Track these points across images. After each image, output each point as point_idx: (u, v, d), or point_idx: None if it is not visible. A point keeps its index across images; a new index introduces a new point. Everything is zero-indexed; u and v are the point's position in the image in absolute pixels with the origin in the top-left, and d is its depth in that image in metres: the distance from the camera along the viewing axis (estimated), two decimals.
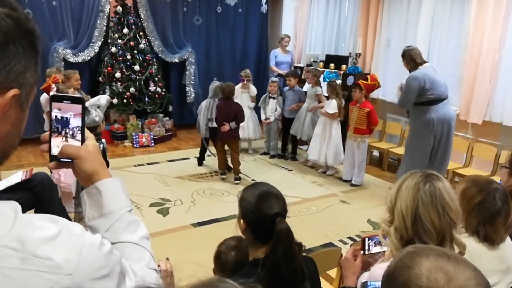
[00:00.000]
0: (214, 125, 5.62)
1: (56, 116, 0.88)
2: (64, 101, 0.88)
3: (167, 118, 7.65)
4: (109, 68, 6.90)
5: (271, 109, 6.42)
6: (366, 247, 1.81)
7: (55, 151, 0.90)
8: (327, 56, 7.18)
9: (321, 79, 6.32)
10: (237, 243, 1.96)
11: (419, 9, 5.97)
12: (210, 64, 8.15)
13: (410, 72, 4.61)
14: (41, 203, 3.17)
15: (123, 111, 7.06)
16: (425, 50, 5.96)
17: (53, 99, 0.88)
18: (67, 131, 0.89)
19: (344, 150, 5.72)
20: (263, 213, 1.61)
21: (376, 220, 4.41)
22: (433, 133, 4.52)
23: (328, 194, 5.28)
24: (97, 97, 3.78)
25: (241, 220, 1.67)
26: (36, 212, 3.12)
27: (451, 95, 4.98)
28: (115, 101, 6.79)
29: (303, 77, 6.88)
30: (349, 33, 7.22)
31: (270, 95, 6.42)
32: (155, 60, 7.31)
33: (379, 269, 1.51)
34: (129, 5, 7.05)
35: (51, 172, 3.92)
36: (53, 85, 4.59)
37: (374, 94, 6.22)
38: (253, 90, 6.56)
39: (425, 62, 4.60)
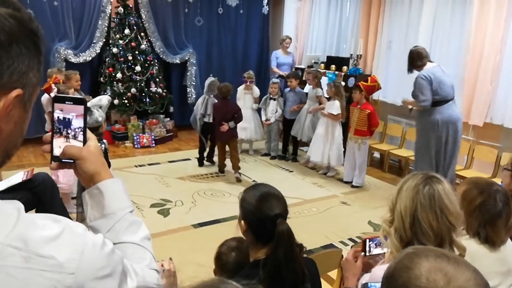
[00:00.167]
0: (207, 120, 5.78)
1: (58, 117, 0.89)
2: (66, 102, 0.89)
3: (168, 118, 7.65)
4: (110, 69, 6.91)
5: (272, 110, 6.42)
6: (367, 249, 1.81)
7: (57, 151, 0.90)
8: (328, 57, 7.18)
9: (322, 80, 6.32)
10: (237, 244, 1.96)
11: (420, 11, 5.97)
12: (211, 65, 8.15)
13: (412, 71, 4.61)
14: (42, 203, 3.17)
15: (124, 112, 7.07)
16: None
17: (56, 100, 0.89)
18: (69, 131, 0.90)
19: (345, 151, 5.72)
20: (264, 214, 1.61)
21: (376, 221, 4.41)
22: (437, 134, 4.53)
23: (329, 196, 5.28)
24: (98, 97, 3.78)
25: (242, 221, 1.67)
26: (37, 212, 3.12)
27: None
28: (116, 101, 6.80)
29: (304, 78, 6.89)
30: (350, 35, 7.22)
31: (271, 96, 6.43)
32: (156, 61, 7.31)
33: (379, 270, 1.51)
34: (131, 5, 7.06)
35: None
36: (53, 86, 4.59)
37: (375, 96, 6.22)
38: (256, 91, 6.58)
39: (429, 62, 4.59)
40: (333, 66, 6.76)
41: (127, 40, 6.89)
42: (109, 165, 3.69)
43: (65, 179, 4.13)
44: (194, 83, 7.88)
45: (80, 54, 6.94)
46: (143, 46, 7.01)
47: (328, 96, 5.86)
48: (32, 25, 0.70)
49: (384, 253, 1.78)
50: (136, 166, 6.06)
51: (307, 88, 6.52)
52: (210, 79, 6.05)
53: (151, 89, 7.10)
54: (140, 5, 7.26)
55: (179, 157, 6.57)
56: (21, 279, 0.63)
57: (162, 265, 1.71)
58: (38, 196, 3.17)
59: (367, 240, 1.82)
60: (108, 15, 7.07)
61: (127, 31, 6.87)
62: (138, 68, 6.90)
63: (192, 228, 4.29)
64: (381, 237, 1.60)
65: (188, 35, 7.89)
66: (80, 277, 0.67)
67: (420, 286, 0.83)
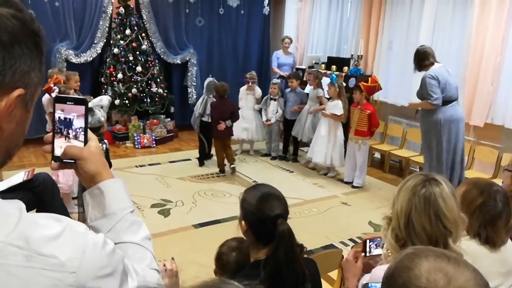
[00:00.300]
0: (205, 119, 5.87)
1: (59, 117, 0.89)
2: (68, 102, 0.89)
3: (169, 119, 7.66)
4: (111, 69, 6.91)
5: (272, 110, 6.42)
6: (367, 249, 1.81)
7: (58, 152, 0.90)
8: (329, 58, 7.18)
9: (323, 81, 6.32)
10: (238, 244, 1.96)
11: (421, 11, 5.97)
12: (212, 65, 8.16)
13: (418, 71, 4.63)
14: (42, 204, 3.18)
15: (125, 112, 7.08)
16: None
17: (57, 100, 0.89)
18: (70, 132, 0.90)
19: (345, 152, 5.72)
20: (264, 214, 1.61)
21: (377, 222, 4.41)
22: (440, 133, 4.54)
23: (329, 196, 5.28)
24: (99, 97, 3.79)
25: (243, 222, 1.67)
26: (38, 212, 3.13)
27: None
28: (117, 102, 6.80)
29: (304, 79, 6.89)
30: (351, 35, 7.22)
31: (271, 96, 6.43)
32: (157, 61, 7.32)
33: (380, 271, 1.51)
34: (132, 6, 7.07)
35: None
36: (53, 86, 4.60)
37: (375, 96, 6.22)
38: (258, 92, 6.59)
39: (436, 62, 4.60)
40: (333, 67, 6.76)
41: (128, 41, 6.89)
42: (110, 165, 3.70)
43: (65, 179, 4.13)
44: (195, 84, 7.89)
45: (81, 54, 6.94)
46: (144, 47, 7.02)
47: (328, 97, 5.86)
48: (34, 25, 0.70)
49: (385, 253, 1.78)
50: (136, 167, 6.06)
51: (308, 89, 6.52)
52: (208, 79, 6.12)
53: (152, 89, 7.11)
54: (141, 5, 7.27)
55: (180, 157, 6.57)
56: (23, 278, 0.63)
57: (164, 265, 1.71)
58: (39, 196, 3.18)
59: (368, 241, 1.82)
60: (109, 15, 7.08)
61: (128, 31, 6.88)
62: (139, 68, 6.91)
63: (192, 228, 4.29)
64: (382, 234, 1.60)
65: (189, 36, 7.90)
66: (81, 276, 0.67)
67: (420, 286, 0.84)
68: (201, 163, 6.19)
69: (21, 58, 0.68)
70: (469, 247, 1.64)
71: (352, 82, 6.29)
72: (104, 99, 3.76)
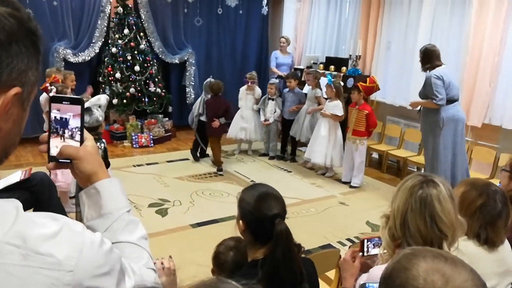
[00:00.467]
0: (203, 119, 5.96)
1: (55, 117, 0.88)
2: (63, 102, 0.89)
3: (167, 118, 7.65)
4: (109, 69, 6.90)
5: (270, 110, 6.43)
6: (365, 249, 1.81)
7: (54, 151, 0.90)
8: (327, 58, 7.19)
9: (321, 81, 6.32)
10: (235, 243, 1.96)
11: (419, 12, 5.98)
12: (210, 65, 8.15)
13: (426, 71, 4.64)
14: (40, 203, 3.16)
15: (122, 112, 7.07)
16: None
17: (53, 100, 0.89)
18: (66, 131, 0.89)
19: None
20: (262, 214, 1.61)
21: (375, 222, 4.42)
22: (442, 132, 4.57)
23: (327, 196, 5.28)
24: (97, 96, 3.78)
25: (240, 221, 1.67)
26: (35, 211, 3.12)
27: None
28: (115, 101, 6.80)
29: (303, 79, 6.89)
30: (349, 35, 7.23)
31: (269, 96, 6.44)
32: (155, 60, 7.31)
33: (377, 270, 1.51)
34: (130, 5, 7.06)
35: (50, 172, 3.92)
36: (49, 85, 4.59)
37: (372, 96, 6.22)
38: (258, 92, 6.60)
39: (441, 64, 4.62)
40: (332, 67, 6.76)
41: (126, 40, 6.89)
42: (109, 165, 3.71)
43: (64, 177, 4.12)
44: (193, 83, 7.88)
45: (79, 53, 6.93)
46: (142, 46, 7.01)
47: (326, 97, 5.87)
48: (31, 24, 0.70)
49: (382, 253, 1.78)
50: (134, 166, 6.06)
51: (306, 89, 6.52)
52: (207, 80, 6.16)
53: (150, 89, 7.10)
54: (139, 5, 7.26)
55: (178, 157, 6.57)
56: (20, 277, 0.63)
57: (162, 263, 1.71)
58: (36, 195, 3.17)
59: (365, 240, 1.82)
60: (108, 15, 7.07)
61: (126, 31, 6.87)
62: (137, 68, 6.90)
63: (190, 228, 4.29)
64: (381, 232, 1.60)
65: (187, 35, 7.89)
66: (78, 274, 0.67)
67: (418, 286, 0.84)
68: (196, 158, 6.30)
69: (18, 56, 0.68)
70: (466, 247, 1.65)
71: (350, 82, 6.29)
72: (102, 98, 3.74)
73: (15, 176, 3.14)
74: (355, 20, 7.15)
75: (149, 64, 7.10)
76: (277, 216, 1.59)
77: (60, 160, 0.90)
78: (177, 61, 7.75)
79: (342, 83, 5.91)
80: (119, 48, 6.88)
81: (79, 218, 0.92)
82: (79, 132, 0.90)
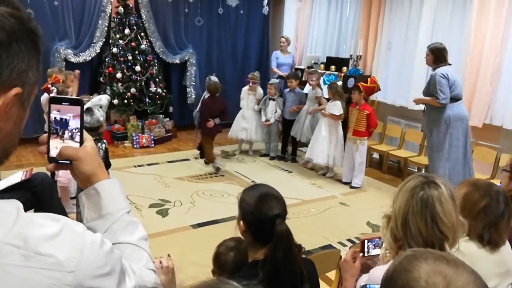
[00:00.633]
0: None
1: (55, 118, 0.88)
2: (63, 103, 0.88)
3: (168, 119, 7.65)
4: (110, 69, 6.90)
5: (271, 110, 6.43)
6: (366, 249, 1.81)
7: (53, 152, 0.90)
8: (328, 58, 7.18)
9: (321, 81, 6.33)
10: (236, 244, 1.96)
11: (420, 12, 5.98)
12: (211, 65, 8.15)
13: (433, 69, 4.66)
14: (40, 203, 3.17)
15: (123, 112, 7.07)
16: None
17: (52, 100, 0.89)
18: (66, 132, 0.89)
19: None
20: (263, 214, 1.61)
21: (375, 222, 4.42)
22: (448, 130, 4.58)
23: (328, 196, 5.28)
24: (98, 97, 3.78)
25: (241, 222, 1.67)
26: (35, 212, 3.12)
27: None
28: (115, 101, 6.80)
29: (304, 79, 6.89)
30: (350, 35, 7.23)
31: (270, 96, 6.44)
32: (156, 60, 7.31)
33: (378, 271, 1.51)
34: (131, 5, 7.06)
35: (54, 173, 3.93)
36: (50, 86, 4.59)
37: (373, 97, 6.22)
38: (260, 92, 6.62)
39: (448, 63, 4.65)
40: (332, 67, 6.76)
41: (127, 40, 6.89)
42: (110, 165, 3.71)
43: (64, 172, 4.12)
44: (193, 83, 7.88)
45: (80, 54, 6.94)
46: (143, 46, 7.01)
47: (327, 97, 5.87)
48: (31, 24, 0.70)
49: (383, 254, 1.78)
50: (135, 166, 6.06)
51: (307, 89, 6.52)
52: (208, 77, 6.33)
53: (150, 89, 7.10)
54: (140, 5, 7.26)
55: (178, 157, 6.57)
56: (21, 278, 0.63)
57: (160, 262, 1.71)
58: (37, 195, 3.17)
59: (366, 241, 1.82)
60: (108, 15, 7.07)
61: (127, 31, 6.87)
62: (138, 68, 6.90)
63: (191, 228, 4.29)
64: (381, 233, 1.60)
65: (188, 35, 7.90)
66: (79, 275, 0.67)
67: None
68: (202, 155, 6.40)
69: (18, 56, 0.68)
70: (467, 248, 1.65)
71: (351, 82, 6.29)
72: (103, 99, 3.74)
73: (16, 176, 3.14)
74: (356, 20, 7.15)
75: (150, 64, 7.10)
76: (277, 216, 1.59)
77: (59, 161, 0.90)
78: (177, 61, 7.75)
79: (341, 83, 5.88)
80: (120, 48, 6.88)
81: (80, 218, 0.92)
82: (79, 133, 0.90)
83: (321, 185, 5.65)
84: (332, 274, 2.54)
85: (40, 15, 6.39)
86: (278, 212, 1.61)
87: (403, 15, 6.26)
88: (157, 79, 7.21)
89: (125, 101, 6.91)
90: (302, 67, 7.43)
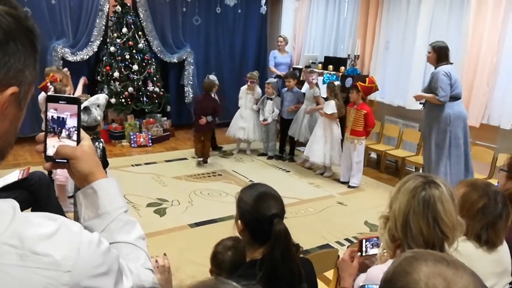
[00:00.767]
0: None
1: (52, 116, 0.88)
2: (60, 102, 0.88)
3: (165, 118, 7.64)
4: (107, 68, 6.89)
5: (269, 110, 6.43)
6: (363, 249, 1.81)
7: (50, 151, 0.89)
8: (325, 57, 7.18)
9: (320, 81, 6.33)
10: (234, 243, 1.96)
11: (418, 11, 5.99)
12: (209, 64, 8.15)
13: (435, 68, 4.67)
14: (38, 202, 3.16)
15: (121, 111, 7.05)
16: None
17: (49, 99, 0.88)
18: (63, 131, 0.89)
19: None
20: (261, 214, 1.61)
21: (373, 222, 4.42)
22: (448, 128, 4.59)
23: (326, 196, 5.28)
24: (96, 96, 3.77)
25: (239, 221, 1.67)
26: (32, 211, 3.11)
27: None
28: (113, 100, 6.78)
29: (301, 78, 6.89)
30: (348, 35, 7.23)
31: (268, 96, 6.44)
32: (153, 60, 7.30)
33: (376, 270, 1.51)
34: (128, 4, 7.05)
35: (51, 172, 3.92)
36: (49, 84, 4.58)
37: (371, 97, 6.23)
38: (258, 91, 6.63)
39: (450, 63, 4.66)
40: (330, 66, 6.76)
41: (124, 39, 6.87)
42: (107, 165, 3.70)
43: (61, 170, 4.11)
44: (191, 83, 7.87)
45: (78, 52, 6.92)
46: (140, 45, 7.00)
47: (326, 96, 5.88)
48: (28, 23, 0.70)
49: (381, 253, 1.78)
50: (132, 165, 6.05)
51: (304, 88, 6.52)
52: (207, 76, 6.51)
53: (148, 88, 7.09)
54: (138, 4, 7.25)
55: (176, 156, 6.56)
56: (17, 277, 0.63)
57: (156, 261, 1.71)
58: (34, 194, 3.16)
59: (364, 240, 1.82)
60: (106, 13, 7.06)
61: (124, 30, 6.86)
62: (135, 67, 6.89)
63: (188, 227, 4.28)
64: (379, 233, 1.60)
65: (186, 34, 7.89)
66: (76, 274, 0.67)
67: None
68: (214, 147, 6.66)
69: (15, 55, 0.68)
70: (465, 248, 1.65)
71: (348, 82, 6.29)
72: (101, 98, 3.73)
73: (13, 175, 3.13)
74: (353, 20, 7.15)
75: (147, 63, 7.08)
76: (275, 216, 1.59)
77: (56, 160, 0.90)
78: (175, 60, 7.74)
79: (337, 83, 5.86)
80: (118, 47, 6.86)
81: (77, 217, 0.92)
82: (76, 132, 0.90)
83: (319, 185, 5.65)
84: (330, 274, 2.54)
85: (38, 13, 6.37)
86: (276, 212, 1.60)
87: (401, 15, 6.27)
88: (154, 78, 7.20)
89: (123, 100, 6.89)
90: (300, 66, 7.44)
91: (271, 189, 1.71)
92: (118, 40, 6.86)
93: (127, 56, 6.87)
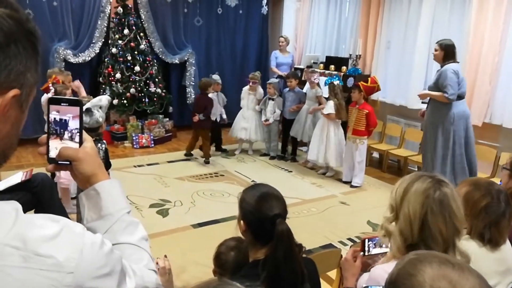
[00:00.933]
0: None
1: (54, 118, 0.88)
2: (62, 104, 0.88)
3: (167, 119, 7.65)
4: (109, 69, 6.90)
5: (270, 110, 6.43)
6: (366, 248, 1.81)
7: (53, 153, 0.89)
8: (327, 57, 7.18)
9: (322, 81, 6.33)
10: (237, 243, 1.96)
11: (419, 11, 5.98)
12: (211, 65, 8.15)
13: (441, 65, 4.65)
14: (41, 204, 3.17)
15: (123, 112, 7.07)
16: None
17: (51, 101, 0.88)
18: (66, 133, 0.89)
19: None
20: (263, 214, 1.61)
21: (376, 221, 4.42)
22: (452, 127, 4.59)
23: (328, 196, 5.28)
24: (98, 97, 3.77)
25: (241, 221, 1.67)
26: (36, 212, 3.12)
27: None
28: (115, 101, 6.79)
29: (303, 78, 6.89)
30: (349, 35, 7.23)
31: (269, 96, 6.44)
32: (155, 61, 7.31)
33: (378, 269, 1.51)
34: (130, 6, 7.06)
35: (54, 174, 3.93)
36: (51, 86, 4.59)
37: (374, 96, 6.23)
38: (260, 92, 6.64)
39: (456, 61, 4.66)
40: (332, 66, 6.76)
41: (126, 40, 6.88)
42: (110, 166, 3.70)
43: (66, 173, 4.12)
44: (193, 83, 7.87)
45: (79, 54, 6.93)
46: (142, 46, 7.01)
47: (327, 96, 5.88)
48: (29, 25, 0.70)
49: (384, 253, 1.78)
50: (135, 166, 6.06)
51: (305, 88, 6.52)
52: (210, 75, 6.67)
53: (150, 89, 7.10)
54: (139, 5, 7.26)
55: (178, 157, 6.56)
56: (20, 279, 0.63)
57: (157, 263, 1.71)
58: (37, 196, 3.17)
59: (366, 240, 1.82)
60: (108, 15, 7.07)
61: (126, 31, 6.87)
62: (137, 68, 6.90)
63: (191, 228, 4.29)
64: (381, 236, 1.59)
65: (187, 35, 7.89)
66: (79, 276, 0.67)
67: None
68: (218, 149, 6.80)
69: (16, 57, 0.68)
70: (468, 247, 1.64)
71: (350, 81, 6.29)
72: (104, 99, 3.74)
73: (16, 177, 3.14)
74: (355, 20, 7.15)
75: (149, 65, 7.09)
76: (278, 216, 1.59)
77: (59, 162, 0.90)
78: (177, 61, 7.75)
79: (336, 82, 5.84)
80: (119, 48, 6.88)
81: (80, 219, 0.92)
82: (78, 134, 0.90)
83: (321, 185, 5.65)
84: (333, 273, 2.54)
85: (39, 15, 6.39)
86: (278, 212, 1.60)
87: (402, 14, 6.26)
88: (156, 79, 7.21)
89: (125, 101, 6.90)
90: (301, 66, 7.43)
91: (273, 189, 1.71)
92: (120, 42, 6.87)
93: (129, 57, 6.88)
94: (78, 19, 6.93)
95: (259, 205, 1.63)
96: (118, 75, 6.83)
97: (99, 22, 7.01)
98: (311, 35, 7.96)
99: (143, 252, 0.92)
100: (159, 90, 7.23)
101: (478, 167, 5.29)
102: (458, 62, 4.65)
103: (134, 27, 6.95)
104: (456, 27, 5.70)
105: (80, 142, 0.90)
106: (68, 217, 0.73)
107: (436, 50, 4.67)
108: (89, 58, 7.02)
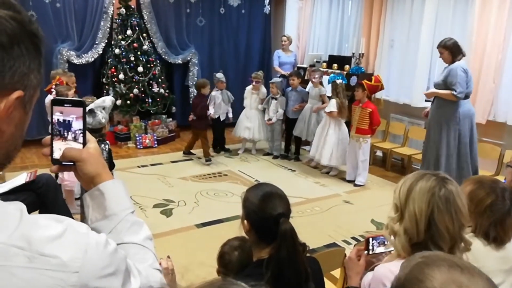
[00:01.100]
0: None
1: (58, 120, 0.89)
2: (65, 105, 0.89)
3: (171, 119, 7.66)
4: (112, 70, 6.92)
5: (273, 110, 6.43)
6: (370, 247, 1.81)
7: (57, 154, 0.90)
8: (330, 56, 7.17)
9: (325, 80, 6.32)
10: (240, 243, 1.96)
11: (422, 9, 5.96)
12: (213, 65, 8.16)
13: (449, 64, 4.63)
14: (45, 205, 3.18)
15: (126, 112, 7.08)
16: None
17: (54, 102, 0.89)
18: (69, 134, 0.90)
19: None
20: (267, 213, 1.61)
21: (379, 220, 4.41)
22: (457, 126, 4.58)
23: (332, 195, 5.27)
24: (102, 98, 3.78)
25: (245, 221, 1.67)
26: (40, 213, 3.13)
27: None
28: (118, 102, 6.81)
29: (306, 77, 6.88)
30: (352, 34, 7.22)
31: (272, 95, 6.44)
32: (158, 61, 7.32)
33: (383, 268, 1.50)
34: (133, 6, 7.07)
35: (58, 175, 3.94)
36: (54, 87, 4.60)
37: (378, 95, 6.21)
38: (263, 91, 6.64)
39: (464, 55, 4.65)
40: (335, 65, 6.75)
41: (129, 41, 6.90)
42: (114, 166, 3.71)
43: (70, 176, 4.14)
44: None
45: (83, 55, 6.95)
46: (145, 47, 7.02)
47: (330, 95, 5.88)
48: (32, 26, 0.70)
49: (388, 251, 1.78)
50: (138, 167, 6.07)
51: (308, 87, 6.52)
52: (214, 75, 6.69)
53: (153, 89, 7.11)
54: (142, 5, 7.27)
55: (182, 157, 6.57)
56: (25, 279, 0.63)
57: (160, 264, 1.72)
58: (42, 197, 3.18)
59: (370, 239, 1.82)
60: (110, 16, 7.08)
61: (129, 32, 6.88)
62: (140, 68, 6.91)
63: (195, 228, 4.29)
64: (386, 235, 1.59)
65: (190, 36, 7.90)
66: (84, 275, 0.67)
67: None
68: (221, 149, 6.82)
69: (20, 59, 0.68)
70: (473, 246, 1.64)
71: (353, 80, 6.28)
72: (107, 100, 3.74)
73: (21, 178, 3.16)
74: (357, 18, 7.13)
75: (152, 65, 7.10)
76: (281, 215, 1.59)
77: (63, 163, 0.90)
78: (180, 62, 7.76)
79: (339, 81, 5.83)
80: (122, 49, 6.89)
81: (84, 219, 0.92)
82: (81, 134, 0.90)
83: (324, 184, 5.64)
84: (337, 272, 2.54)
85: (42, 17, 6.41)
86: (282, 211, 1.60)
87: (405, 13, 6.24)
88: (159, 80, 7.22)
89: (128, 101, 6.92)
90: (304, 65, 7.43)
91: (277, 189, 1.71)
92: (123, 42, 6.89)
93: (132, 58, 6.89)
94: (81, 20, 6.94)
95: (262, 205, 1.63)
96: (121, 76, 6.85)
97: (102, 23, 7.03)
98: (314, 34, 7.96)
99: (148, 252, 0.92)
100: (162, 91, 7.24)
101: (482, 165, 5.29)
102: (465, 55, 4.62)
103: (137, 28, 6.96)
104: (459, 25, 5.68)
105: (84, 143, 0.91)
106: (72, 218, 0.73)
107: (441, 53, 4.64)
108: (92, 59, 7.04)
